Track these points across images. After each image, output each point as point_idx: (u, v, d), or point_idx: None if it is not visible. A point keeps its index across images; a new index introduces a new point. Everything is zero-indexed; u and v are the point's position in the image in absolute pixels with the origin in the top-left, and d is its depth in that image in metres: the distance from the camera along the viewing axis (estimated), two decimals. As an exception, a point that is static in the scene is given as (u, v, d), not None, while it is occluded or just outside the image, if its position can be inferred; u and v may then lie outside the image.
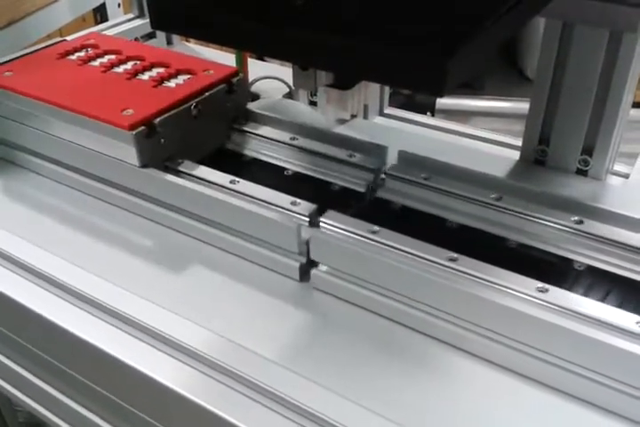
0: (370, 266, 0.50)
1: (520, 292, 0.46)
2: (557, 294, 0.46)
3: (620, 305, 0.49)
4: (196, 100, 0.63)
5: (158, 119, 0.59)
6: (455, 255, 0.49)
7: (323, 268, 0.53)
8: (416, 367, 0.48)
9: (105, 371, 0.51)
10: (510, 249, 0.55)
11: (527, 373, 0.47)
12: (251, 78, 0.78)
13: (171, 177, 0.58)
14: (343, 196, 0.61)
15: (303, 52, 0.43)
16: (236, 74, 0.67)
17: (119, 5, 1.17)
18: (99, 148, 0.61)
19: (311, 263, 0.54)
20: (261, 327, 0.51)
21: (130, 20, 0.97)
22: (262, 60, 0.99)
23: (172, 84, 0.65)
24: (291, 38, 0.42)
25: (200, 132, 0.64)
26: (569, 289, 0.47)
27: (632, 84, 0.59)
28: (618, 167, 0.65)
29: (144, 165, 0.59)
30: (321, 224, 0.53)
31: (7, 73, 0.68)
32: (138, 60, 0.70)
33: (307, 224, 0.54)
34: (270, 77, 0.79)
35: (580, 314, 0.45)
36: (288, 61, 0.48)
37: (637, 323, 0.43)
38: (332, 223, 0.53)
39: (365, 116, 0.75)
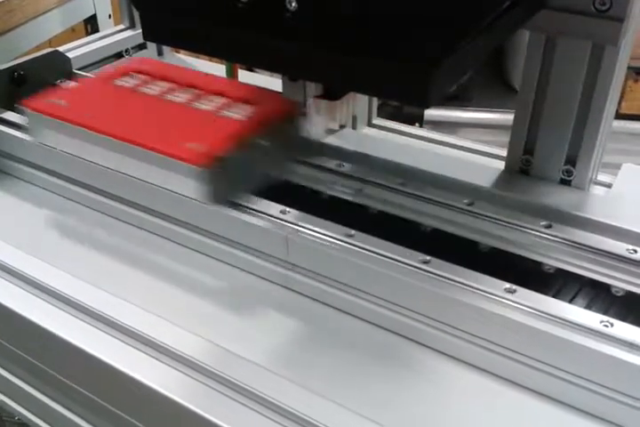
0: (345, 269, 0.51)
1: (488, 292, 0.48)
2: (525, 295, 0.47)
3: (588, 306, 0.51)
4: (262, 131, 0.59)
5: (226, 153, 0.55)
6: (427, 258, 0.50)
7: (301, 270, 0.54)
8: (390, 367, 0.49)
9: (94, 376, 0.51)
10: (482, 253, 0.56)
11: (498, 372, 0.48)
12: (241, 89, 0.78)
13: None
14: (332, 204, 0.62)
15: (292, 63, 0.44)
16: (295, 106, 0.63)
17: (110, 16, 1.18)
18: (164, 183, 0.58)
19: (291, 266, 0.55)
20: (252, 334, 0.51)
21: (120, 31, 0.97)
22: (251, 70, 1.00)
23: (233, 113, 0.61)
24: (279, 50, 0.43)
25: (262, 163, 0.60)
26: (542, 292, 0.49)
27: (614, 96, 0.61)
28: (601, 177, 0.66)
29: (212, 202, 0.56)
30: (299, 228, 0.54)
31: (60, 101, 0.63)
32: (192, 87, 0.65)
33: (296, 233, 0.55)
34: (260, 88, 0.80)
35: (547, 313, 0.46)
36: (277, 73, 0.49)
37: (601, 322, 0.45)
38: (310, 227, 0.54)
39: (354, 127, 0.76)
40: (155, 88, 0.65)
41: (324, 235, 0.54)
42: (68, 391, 0.55)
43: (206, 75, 0.71)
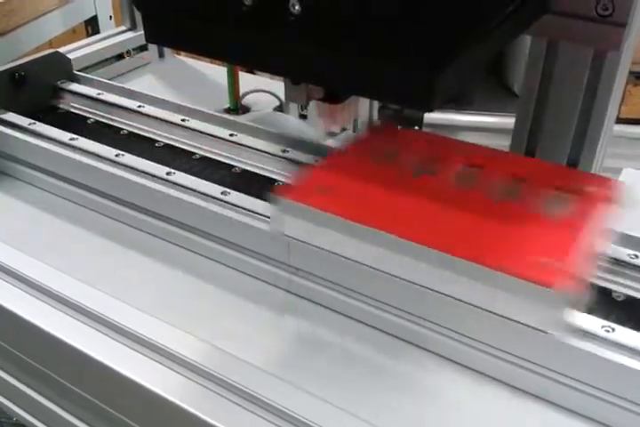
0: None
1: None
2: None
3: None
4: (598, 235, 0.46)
5: (585, 271, 0.43)
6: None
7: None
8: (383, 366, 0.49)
9: (92, 378, 0.51)
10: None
11: (500, 377, 0.48)
12: (242, 91, 0.79)
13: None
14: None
15: (295, 66, 0.44)
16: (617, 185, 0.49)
17: (111, 18, 1.18)
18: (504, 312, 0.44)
19: None
20: (250, 336, 0.51)
21: (121, 32, 0.97)
22: (252, 73, 1.00)
23: (562, 210, 0.47)
24: (282, 53, 0.43)
25: None
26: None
27: (615, 101, 0.61)
28: (602, 182, 0.67)
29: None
30: None
31: (323, 187, 0.49)
32: (480, 166, 0.51)
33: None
34: (261, 91, 0.80)
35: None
36: (280, 75, 0.49)
37: (603, 327, 0.44)
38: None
39: (355, 130, 0.76)
40: (439, 169, 0.51)
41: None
42: (66, 393, 0.54)
43: (498, 151, 0.55)
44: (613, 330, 0.45)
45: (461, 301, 0.44)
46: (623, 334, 0.44)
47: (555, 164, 0.55)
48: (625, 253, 0.53)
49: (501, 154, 0.54)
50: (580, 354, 0.43)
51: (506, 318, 0.43)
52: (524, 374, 0.46)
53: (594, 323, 0.45)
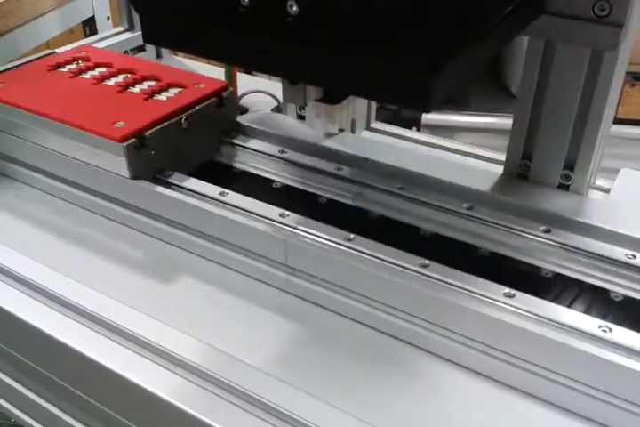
0: (344, 273, 0.51)
1: (487, 297, 0.48)
2: (524, 299, 0.47)
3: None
4: (187, 113, 0.63)
5: (149, 132, 0.60)
6: (427, 262, 0.50)
7: (300, 274, 0.54)
8: (389, 371, 0.49)
9: (92, 379, 0.51)
10: (484, 257, 0.56)
11: (498, 377, 0.48)
12: (240, 92, 0.78)
13: (160, 189, 0.59)
14: (331, 208, 0.62)
15: (292, 66, 0.44)
16: (225, 88, 0.67)
17: (108, 18, 1.17)
18: (89, 159, 0.62)
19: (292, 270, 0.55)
20: (249, 337, 0.51)
21: (119, 33, 0.97)
22: (250, 73, 1.00)
23: (162, 97, 0.66)
24: (280, 53, 0.43)
25: (190, 144, 0.64)
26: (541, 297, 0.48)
27: (613, 101, 0.61)
28: (599, 182, 0.67)
29: (135, 177, 0.60)
30: (298, 232, 0.54)
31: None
32: (129, 73, 0.71)
33: (295, 236, 0.55)
34: (259, 91, 0.80)
35: (546, 318, 0.46)
36: (277, 76, 0.49)
37: (600, 327, 0.45)
38: (308, 231, 0.54)
39: (353, 131, 0.76)
40: (93, 73, 0.70)
41: (324, 238, 0.53)
42: (65, 394, 0.54)
43: (144, 60, 0.77)
44: (611, 330, 0.45)
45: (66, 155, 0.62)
46: (620, 333, 0.44)
47: (182, 70, 0.74)
48: (622, 253, 0.53)
49: (151, 64, 0.75)
50: (577, 354, 0.43)
51: (91, 165, 0.61)
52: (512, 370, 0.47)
53: (591, 323, 0.45)
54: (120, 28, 0.98)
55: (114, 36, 0.96)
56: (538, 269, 0.55)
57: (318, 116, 0.52)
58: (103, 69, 0.72)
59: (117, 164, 0.59)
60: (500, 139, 0.69)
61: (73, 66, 0.73)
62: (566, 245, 0.54)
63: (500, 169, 0.68)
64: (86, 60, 0.74)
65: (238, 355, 0.47)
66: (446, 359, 0.50)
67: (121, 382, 0.47)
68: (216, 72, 0.80)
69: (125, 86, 0.68)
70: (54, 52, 0.80)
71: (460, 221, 0.58)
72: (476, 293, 0.48)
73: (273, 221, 0.56)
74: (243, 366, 0.46)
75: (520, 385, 0.47)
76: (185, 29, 0.45)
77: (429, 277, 0.49)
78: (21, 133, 0.66)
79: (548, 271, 0.54)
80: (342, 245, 0.53)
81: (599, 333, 0.45)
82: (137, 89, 0.68)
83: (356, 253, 0.52)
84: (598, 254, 0.53)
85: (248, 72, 0.99)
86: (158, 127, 0.61)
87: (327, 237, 0.53)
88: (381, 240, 0.53)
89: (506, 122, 0.67)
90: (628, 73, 0.69)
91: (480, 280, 0.49)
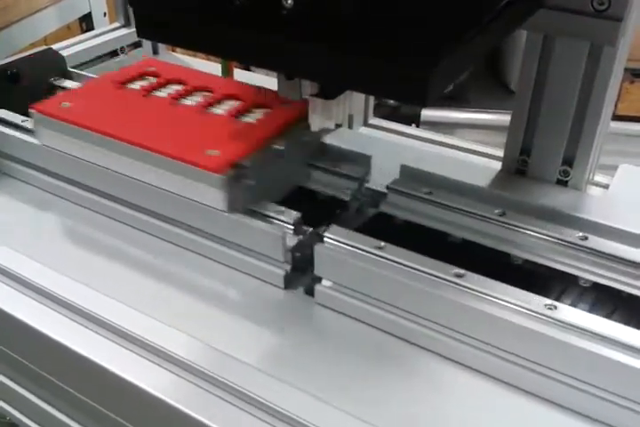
0: (376, 282, 0.50)
1: (529, 309, 0.46)
2: (567, 312, 0.45)
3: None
4: (283, 137, 0.58)
5: (247, 160, 0.54)
6: (462, 271, 0.48)
7: (327, 283, 0.53)
8: (422, 383, 0.48)
9: (86, 377, 0.50)
10: (513, 264, 0.55)
11: (538, 392, 0.46)
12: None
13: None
14: (328, 204, 0.62)
15: (287, 61, 0.44)
16: None
17: (105, 14, 1.17)
18: (181, 191, 0.56)
19: (315, 279, 0.53)
20: (247, 335, 0.51)
21: (115, 29, 0.97)
22: (248, 69, 1.00)
23: (250, 118, 0.60)
24: (275, 48, 0.43)
25: (285, 171, 0.60)
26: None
27: (611, 97, 0.60)
28: (598, 178, 0.66)
29: (231, 210, 0.54)
30: (325, 239, 0.52)
31: (65, 104, 0.62)
32: (205, 90, 0.64)
33: (291, 232, 0.54)
34: (256, 87, 0.80)
35: (591, 332, 0.44)
36: (272, 70, 0.49)
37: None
38: (337, 238, 0.52)
39: (350, 126, 0.76)
40: (168, 91, 0.64)
41: (352, 246, 0.51)
42: (60, 393, 0.54)
43: (219, 77, 0.70)
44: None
45: (154, 186, 0.57)
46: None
47: (265, 88, 0.65)
48: (622, 249, 0.53)
49: (232, 83, 0.68)
50: (623, 368, 0.42)
51: (188, 198, 0.55)
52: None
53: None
54: (116, 24, 0.98)
55: (110, 32, 0.95)
56: (533, 263, 0.54)
57: (314, 112, 0.51)
58: (178, 87, 0.65)
59: (214, 196, 0.54)
60: (501, 135, 0.69)
61: (144, 82, 0.66)
62: (563, 240, 0.54)
63: (498, 165, 0.68)
64: (156, 75, 0.67)
65: (233, 352, 0.47)
66: (484, 373, 0.48)
67: (114, 380, 0.47)
68: (214, 68, 0.79)
69: (207, 107, 0.61)
70: (50, 48, 0.79)
71: (457, 217, 0.57)
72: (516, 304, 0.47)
73: (270, 217, 0.55)
74: (237, 364, 0.46)
75: (564, 401, 0.46)
76: (179, 24, 0.45)
77: (465, 287, 0.48)
78: (97, 160, 0.60)
79: (542, 267, 0.54)
80: (373, 253, 0.50)
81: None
82: (220, 110, 0.61)
83: (388, 262, 0.50)
84: (597, 250, 0.53)
85: (246, 68, 0.99)
86: (257, 155, 0.55)
87: (357, 244, 0.51)
88: (379, 236, 0.52)
89: (505, 118, 0.67)
90: (627, 69, 0.68)
91: (521, 291, 0.47)
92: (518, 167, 0.66)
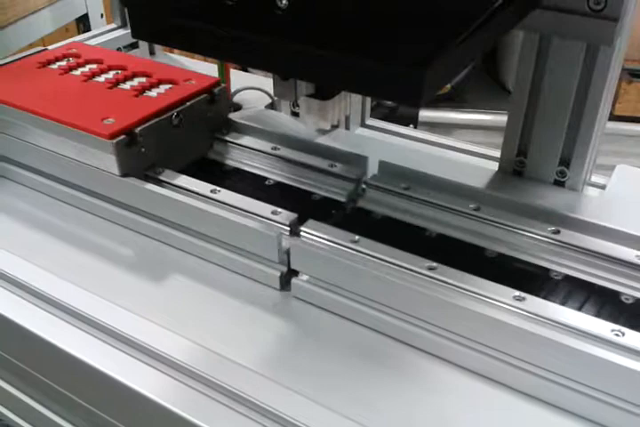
0: (350, 275, 0.50)
1: (497, 300, 0.47)
2: (534, 303, 0.46)
3: (598, 314, 0.50)
4: (178, 109, 0.62)
5: (139, 128, 0.59)
6: (434, 264, 0.49)
7: (303, 277, 0.53)
8: (394, 375, 0.48)
9: (81, 379, 0.50)
10: (488, 259, 0.55)
11: (505, 381, 0.47)
12: (233, 89, 0.78)
13: (151, 186, 0.58)
14: (324, 205, 0.62)
15: (282, 61, 0.43)
16: (217, 84, 0.67)
17: (102, 15, 1.17)
18: (79, 157, 0.61)
19: (292, 272, 0.54)
20: (242, 336, 0.51)
21: (112, 29, 0.97)
22: (245, 70, 1.00)
23: (153, 93, 0.65)
24: (269, 48, 0.43)
25: (181, 141, 0.64)
26: (546, 298, 0.48)
27: (608, 97, 0.60)
28: (595, 178, 0.66)
29: (124, 175, 0.59)
30: (301, 233, 0.53)
31: None
32: (119, 69, 0.70)
33: (287, 233, 0.54)
34: (252, 88, 0.80)
35: (557, 322, 0.45)
36: (267, 71, 0.49)
37: (612, 331, 0.44)
38: (313, 233, 0.53)
39: (347, 127, 0.75)
40: (83, 70, 0.69)
41: (328, 240, 0.52)
42: (54, 394, 0.54)
43: (138, 57, 0.76)
44: (623, 334, 0.44)
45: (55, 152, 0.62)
46: (633, 338, 0.43)
47: (174, 66, 0.72)
48: (619, 249, 0.53)
49: (142, 61, 0.73)
50: (590, 358, 0.42)
51: (81, 162, 0.60)
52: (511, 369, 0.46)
53: (604, 327, 0.44)
54: (113, 25, 0.98)
55: (107, 33, 0.95)
56: (531, 265, 0.54)
57: (309, 113, 0.51)
58: (94, 66, 0.71)
59: (107, 161, 0.59)
60: (497, 136, 0.69)
61: (63, 63, 0.72)
62: (560, 241, 0.54)
63: (495, 166, 0.68)
64: (77, 56, 0.73)
65: (227, 354, 0.46)
66: (454, 364, 0.48)
67: (110, 383, 0.46)
68: (211, 69, 0.79)
69: (115, 83, 0.67)
70: (45, 49, 0.79)
71: (454, 217, 0.57)
72: (485, 296, 0.47)
73: (265, 218, 0.55)
74: (231, 365, 0.46)
75: (530, 390, 0.46)
76: (173, 24, 0.45)
77: (437, 279, 0.48)
78: (9, 131, 0.65)
79: (557, 273, 0.54)
80: (347, 247, 0.52)
81: (612, 337, 0.43)
82: (127, 86, 0.67)
83: (362, 255, 0.51)
84: (593, 251, 0.53)
85: (243, 69, 0.99)
86: (148, 124, 0.60)
87: (332, 238, 0.52)
88: (357, 231, 0.52)
89: (502, 119, 0.67)
90: (624, 70, 0.68)
91: (490, 283, 0.48)
92: (515, 168, 0.66)
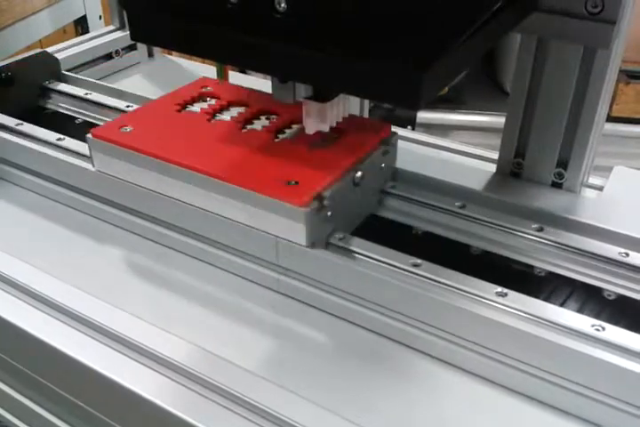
0: (334, 272, 0.51)
1: (480, 296, 0.47)
2: (516, 298, 0.47)
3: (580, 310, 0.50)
4: (360, 165, 0.54)
5: (327, 191, 0.50)
6: (419, 261, 0.50)
7: (292, 274, 0.54)
8: (392, 376, 0.48)
9: (80, 382, 0.50)
10: (475, 256, 0.56)
11: (489, 376, 0.47)
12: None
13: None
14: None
15: (281, 64, 0.44)
16: (392, 133, 0.59)
17: (100, 17, 1.17)
18: (250, 221, 0.52)
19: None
20: (241, 338, 0.51)
21: (111, 31, 0.96)
22: (244, 72, 1.00)
23: (324, 144, 0.56)
24: (269, 51, 0.43)
25: (357, 200, 0.55)
26: (529, 294, 0.48)
27: (606, 99, 0.60)
28: (593, 180, 0.66)
29: (311, 244, 0.51)
30: None
31: (126, 128, 0.58)
32: (271, 114, 0.61)
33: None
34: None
35: (539, 317, 0.46)
36: (266, 73, 0.49)
37: (593, 326, 0.44)
38: None
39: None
40: (232, 115, 0.61)
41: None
42: (52, 395, 0.54)
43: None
44: (604, 329, 0.44)
45: (225, 217, 0.53)
46: (614, 333, 0.44)
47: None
48: (616, 251, 0.53)
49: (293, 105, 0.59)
50: (570, 353, 0.43)
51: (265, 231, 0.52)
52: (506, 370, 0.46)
53: (584, 322, 0.45)
54: (111, 27, 0.97)
55: (105, 35, 0.95)
56: (531, 267, 0.54)
57: (308, 115, 0.51)
58: (241, 110, 0.62)
59: (295, 230, 0.50)
60: (495, 137, 0.69)
61: (204, 104, 0.63)
62: (559, 242, 0.54)
63: (492, 167, 0.68)
64: (214, 96, 0.64)
65: (225, 355, 0.46)
66: (438, 359, 0.49)
67: (107, 384, 0.46)
68: (210, 71, 0.79)
69: (276, 132, 0.58)
70: (44, 51, 0.79)
71: (452, 219, 0.57)
72: (468, 292, 0.48)
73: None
74: (230, 367, 0.46)
75: (512, 385, 0.47)
76: (172, 27, 0.45)
77: (421, 275, 0.49)
78: (163, 190, 0.56)
79: (540, 270, 0.54)
80: (333, 244, 0.52)
81: (592, 332, 0.44)
82: (287, 134, 0.57)
83: (350, 253, 0.51)
84: (591, 252, 0.53)
85: (242, 71, 0.99)
86: (335, 186, 0.51)
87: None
88: (373, 239, 0.52)
89: (500, 120, 0.67)
90: (622, 71, 0.68)
91: (471, 279, 0.48)
92: (513, 170, 0.66)
